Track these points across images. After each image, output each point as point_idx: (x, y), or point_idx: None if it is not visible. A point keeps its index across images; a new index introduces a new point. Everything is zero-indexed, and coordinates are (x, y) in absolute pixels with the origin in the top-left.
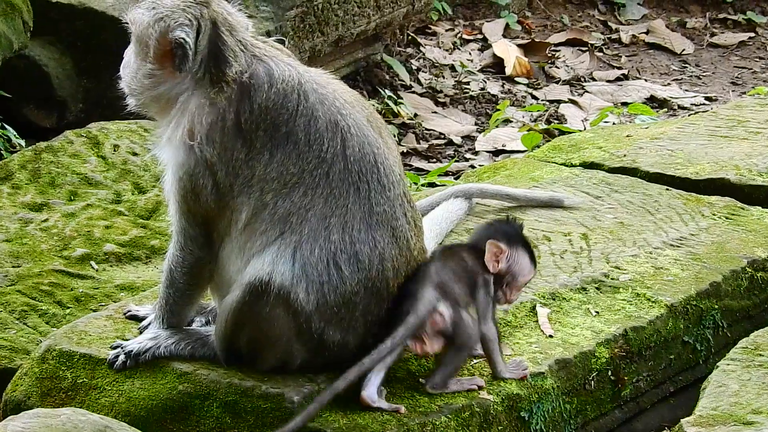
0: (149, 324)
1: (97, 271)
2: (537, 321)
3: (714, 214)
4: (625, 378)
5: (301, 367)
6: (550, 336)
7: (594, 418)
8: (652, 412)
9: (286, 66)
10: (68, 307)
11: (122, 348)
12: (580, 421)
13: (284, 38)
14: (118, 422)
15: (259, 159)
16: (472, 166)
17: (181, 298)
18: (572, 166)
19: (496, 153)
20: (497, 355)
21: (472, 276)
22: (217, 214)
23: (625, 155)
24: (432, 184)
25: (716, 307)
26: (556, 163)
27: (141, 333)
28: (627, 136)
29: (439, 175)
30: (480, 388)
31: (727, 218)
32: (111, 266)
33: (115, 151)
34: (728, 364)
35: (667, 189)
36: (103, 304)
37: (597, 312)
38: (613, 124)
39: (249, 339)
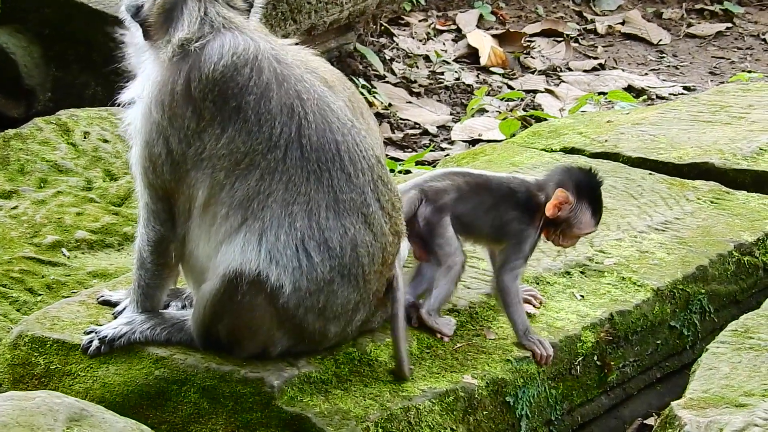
0: (123, 309)
1: (68, 258)
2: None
3: (699, 199)
4: (612, 363)
5: (282, 355)
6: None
7: (580, 403)
8: (639, 399)
9: (246, 39)
10: (39, 294)
11: (96, 333)
12: (566, 406)
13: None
14: (94, 405)
15: (209, 132)
16: (449, 155)
17: (151, 278)
18: (552, 151)
19: (473, 142)
20: (516, 314)
21: (506, 216)
22: (176, 188)
23: (606, 140)
24: (408, 171)
25: (703, 291)
26: (536, 149)
27: (115, 318)
28: (608, 121)
29: (416, 163)
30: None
31: (712, 202)
32: (83, 253)
33: (85, 138)
34: (718, 347)
35: (651, 173)
36: (75, 291)
37: (582, 296)
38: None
39: (228, 328)
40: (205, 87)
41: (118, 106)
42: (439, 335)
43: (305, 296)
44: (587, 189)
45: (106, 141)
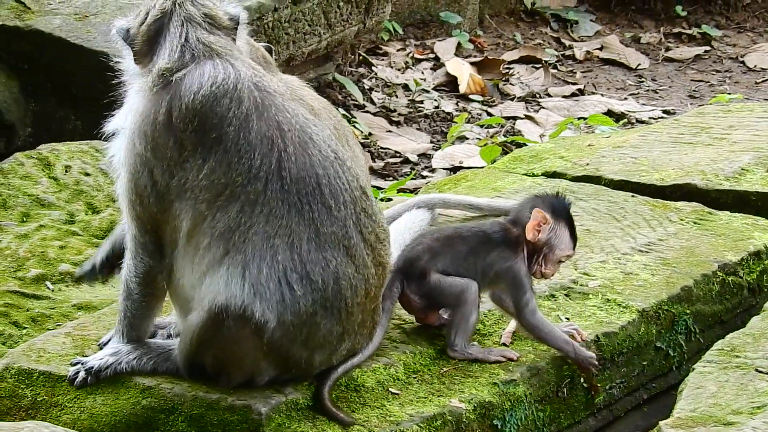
0: (109, 340)
1: (52, 291)
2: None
3: (682, 219)
4: (598, 385)
5: (269, 383)
6: (503, 344)
7: (567, 426)
8: (626, 420)
9: (227, 68)
10: (24, 328)
11: (83, 364)
12: (553, 429)
13: (271, 46)
14: None
15: (191, 162)
16: (430, 182)
17: (138, 309)
18: (534, 176)
19: (454, 170)
20: (557, 341)
21: (488, 259)
22: (162, 220)
23: (587, 164)
24: (390, 199)
25: (688, 312)
26: (518, 174)
27: (101, 349)
28: (589, 145)
29: (398, 191)
30: (510, 360)
31: (695, 223)
32: (67, 286)
33: (66, 172)
34: (705, 366)
35: (633, 196)
36: (59, 323)
37: (567, 318)
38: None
39: (214, 359)
40: (186, 117)
41: (103, 137)
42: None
43: (289, 329)
44: (561, 208)
45: (87, 174)
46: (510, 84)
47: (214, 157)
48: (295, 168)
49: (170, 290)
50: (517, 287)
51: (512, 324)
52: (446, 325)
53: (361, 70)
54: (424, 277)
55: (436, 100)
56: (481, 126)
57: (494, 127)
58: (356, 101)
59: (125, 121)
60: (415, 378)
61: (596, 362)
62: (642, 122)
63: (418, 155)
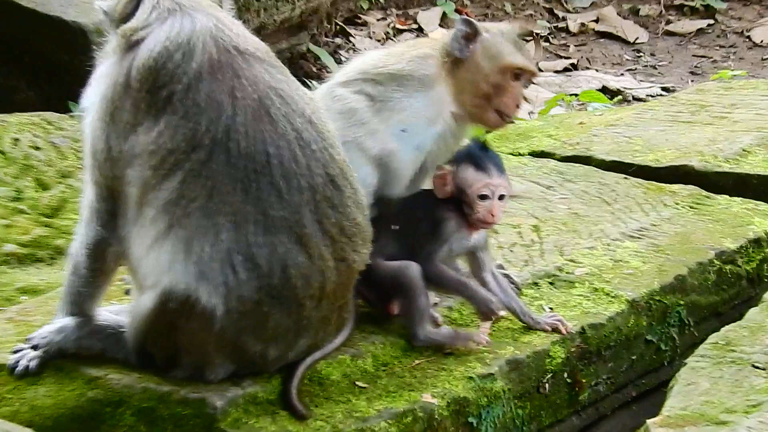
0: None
1: None
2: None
3: (677, 203)
4: (583, 381)
5: (227, 378)
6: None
7: (549, 424)
8: (613, 419)
9: (186, 21)
10: None
11: (25, 347)
12: (534, 428)
13: None
14: (21, 428)
15: (144, 125)
16: None
17: (84, 285)
18: (520, 155)
19: None
20: (467, 291)
21: (412, 221)
22: (117, 187)
23: (578, 143)
24: None
25: (682, 302)
26: (503, 153)
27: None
28: (580, 123)
29: None
30: (479, 344)
31: (691, 207)
32: (11, 268)
33: (15, 145)
34: (698, 361)
35: (625, 177)
36: (2, 308)
37: (551, 308)
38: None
39: (162, 348)
40: (141, 77)
41: (65, 109)
42: (455, 347)
43: (236, 317)
44: (461, 153)
45: (37, 148)
46: None
47: (163, 118)
48: (244, 141)
49: (127, 265)
50: (435, 237)
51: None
52: (402, 315)
53: (338, 40)
54: (369, 268)
55: None
56: None
57: None
58: (332, 73)
59: (93, 87)
60: (384, 371)
61: (495, 307)
62: (639, 100)
63: None
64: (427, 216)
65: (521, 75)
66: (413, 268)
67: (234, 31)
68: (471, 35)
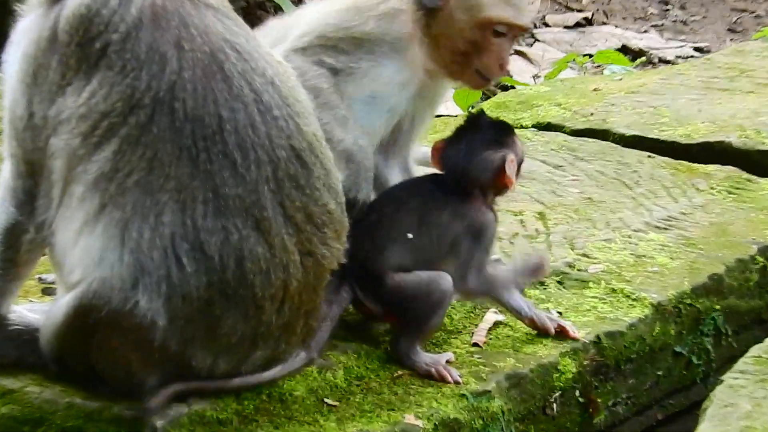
0: None
1: None
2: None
3: (712, 188)
4: (598, 400)
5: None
6: (475, 344)
7: None
8: None
9: None
10: None
11: None
12: None
13: None
14: None
15: (74, 85)
16: None
17: None
18: (523, 128)
19: None
20: (513, 300)
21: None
22: (37, 161)
23: (592, 114)
24: None
25: (717, 307)
26: None
27: None
28: (594, 90)
29: None
30: (456, 383)
31: (729, 193)
32: None
33: None
34: (736, 378)
35: (650, 156)
36: None
37: (559, 313)
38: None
39: (86, 360)
40: (71, 29)
41: None
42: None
43: (181, 321)
44: (502, 133)
45: None
46: None
47: (96, 76)
48: (191, 101)
49: (50, 257)
50: (478, 241)
51: (488, 317)
52: (398, 323)
53: None
54: (381, 281)
55: None
56: None
57: None
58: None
59: (13, 47)
60: (358, 386)
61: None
62: (666, 62)
63: None
64: (462, 222)
65: (507, 31)
66: (447, 282)
67: None
68: None
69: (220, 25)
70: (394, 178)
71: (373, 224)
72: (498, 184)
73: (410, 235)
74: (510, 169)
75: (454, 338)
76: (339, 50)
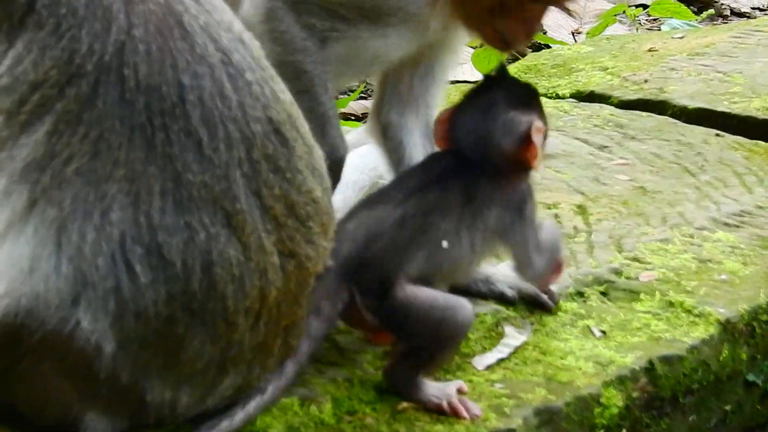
0: None
1: None
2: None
3: None
4: None
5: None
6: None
7: None
8: None
9: None
10: None
11: None
12: None
13: None
14: None
15: None
16: None
17: None
18: (559, 98)
19: None
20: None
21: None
22: None
23: (646, 81)
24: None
25: None
26: None
27: None
28: (650, 50)
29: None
30: (474, 417)
31: None
32: None
33: None
34: None
35: (718, 134)
36: None
37: (603, 332)
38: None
39: (8, 396)
40: None
41: None
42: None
43: (137, 347)
44: (526, 95)
45: None
46: None
47: (22, 36)
48: (145, 66)
49: None
50: (523, 218)
51: (513, 335)
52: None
53: None
54: (388, 289)
55: None
56: None
57: None
58: None
59: None
60: (350, 422)
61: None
62: (740, 15)
63: None
64: (500, 206)
65: None
66: (466, 313)
67: None
68: None
69: None
70: (416, 148)
71: (395, 218)
72: (521, 156)
73: (445, 244)
74: (537, 138)
75: (466, 362)
76: (337, 16)
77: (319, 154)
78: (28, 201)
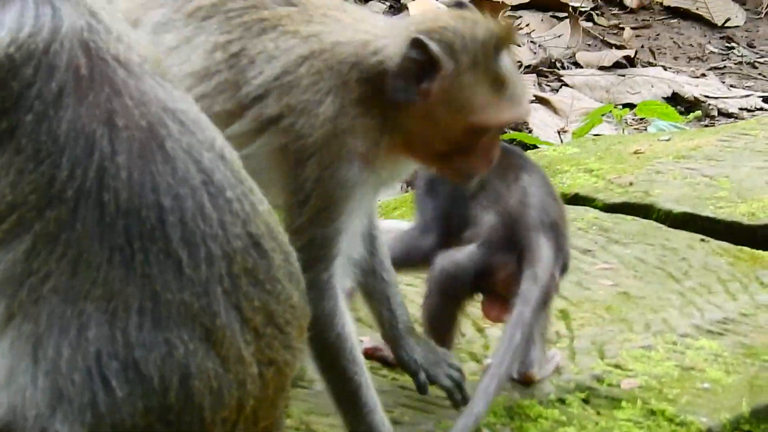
0: None
1: None
2: None
3: None
4: None
5: None
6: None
7: None
8: None
9: (42, 12)
10: None
11: None
12: None
13: None
14: None
15: None
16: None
17: None
18: None
19: (411, 184)
20: None
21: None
22: None
23: (631, 184)
24: None
25: None
26: None
27: None
28: (636, 152)
29: None
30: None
31: None
32: None
33: None
34: None
35: (703, 239)
36: None
37: None
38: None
39: None
40: None
41: None
42: None
43: None
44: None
45: None
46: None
47: (3, 157)
48: (125, 191)
49: None
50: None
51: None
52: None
53: None
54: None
55: None
56: None
57: None
58: None
59: None
60: None
61: None
62: (727, 116)
63: None
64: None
65: (500, 127)
66: None
67: (115, 33)
68: (426, 67)
69: (160, 91)
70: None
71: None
72: None
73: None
74: None
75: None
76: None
77: (293, 256)
78: (5, 314)
